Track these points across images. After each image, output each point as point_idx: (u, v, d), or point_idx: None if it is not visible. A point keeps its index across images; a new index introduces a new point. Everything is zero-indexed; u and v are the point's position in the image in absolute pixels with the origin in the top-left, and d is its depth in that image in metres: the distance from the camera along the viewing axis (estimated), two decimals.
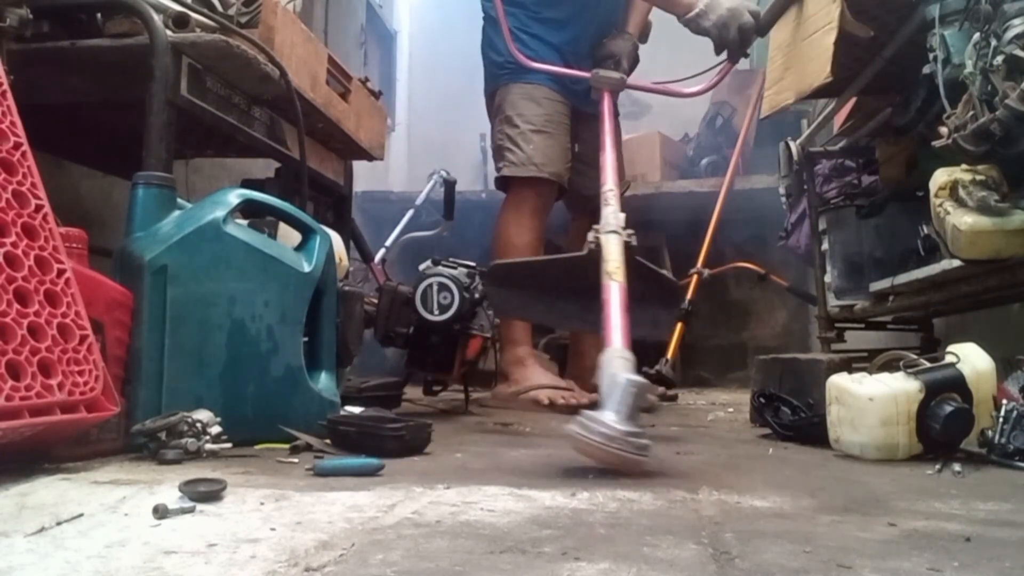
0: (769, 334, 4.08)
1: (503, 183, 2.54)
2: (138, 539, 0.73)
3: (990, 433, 1.26)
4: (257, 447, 1.29)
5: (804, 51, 1.98)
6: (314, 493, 0.94)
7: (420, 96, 5.95)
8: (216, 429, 1.19)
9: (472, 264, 2.09)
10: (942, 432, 1.27)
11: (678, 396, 2.69)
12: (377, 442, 1.24)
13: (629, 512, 0.89)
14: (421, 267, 2.05)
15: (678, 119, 4.65)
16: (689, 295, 3.30)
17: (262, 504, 0.87)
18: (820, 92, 2.08)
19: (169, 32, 1.51)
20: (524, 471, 1.16)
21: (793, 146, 2.54)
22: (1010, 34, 1.35)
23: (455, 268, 2.04)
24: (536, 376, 2.36)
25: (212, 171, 2.50)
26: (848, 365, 1.54)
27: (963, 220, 1.48)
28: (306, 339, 1.45)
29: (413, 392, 2.21)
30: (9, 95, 1.14)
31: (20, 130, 1.12)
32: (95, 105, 1.77)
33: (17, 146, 1.11)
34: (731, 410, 2.26)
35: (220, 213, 1.35)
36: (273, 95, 1.82)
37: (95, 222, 2.11)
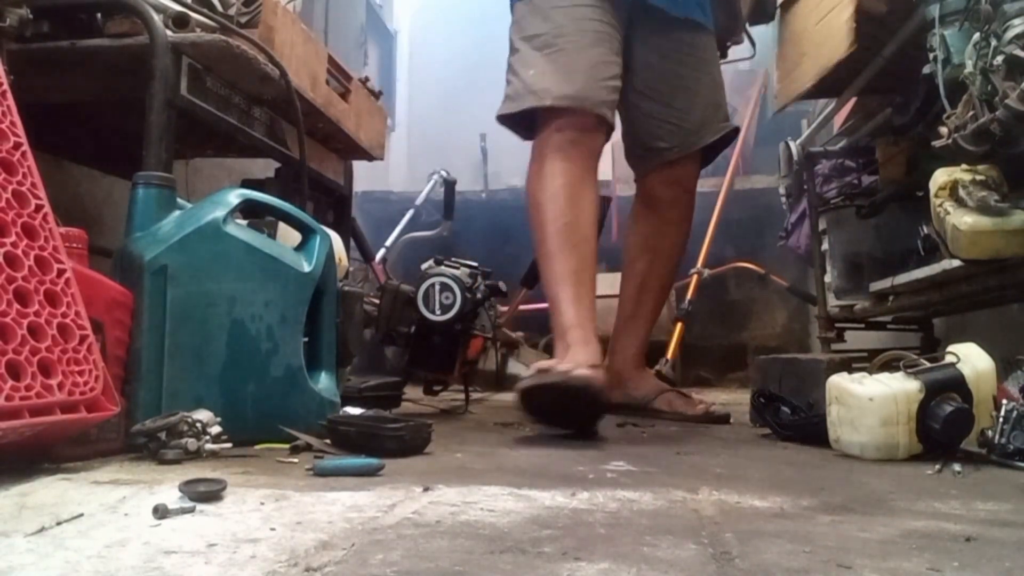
0: (769, 334, 4.08)
1: (519, 130, 1.91)
2: (138, 539, 0.73)
3: (990, 433, 1.26)
4: (257, 447, 1.29)
5: (819, 34, 1.97)
6: (314, 493, 0.94)
7: (420, 96, 5.96)
8: (216, 429, 1.19)
9: (475, 264, 2.09)
10: (942, 432, 1.27)
11: None
12: (377, 442, 1.24)
13: (629, 512, 0.89)
14: (424, 266, 2.05)
15: None
16: (689, 295, 3.31)
17: (262, 504, 0.87)
18: (825, 89, 2.05)
19: (169, 32, 1.51)
20: (524, 471, 1.16)
21: (793, 146, 2.54)
22: (1010, 34, 1.35)
23: (458, 268, 2.04)
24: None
25: (212, 171, 2.50)
26: (848, 365, 1.54)
27: (963, 220, 1.48)
28: (306, 339, 1.45)
29: (413, 392, 2.21)
30: (9, 95, 1.14)
31: (20, 130, 1.12)
32: (95, 105, 1.77)
33: (17, 146, 1.11)
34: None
35: (220, 213, 1.35)
36: (273, 95, 1.82)
37: (95, 222, 2.11)
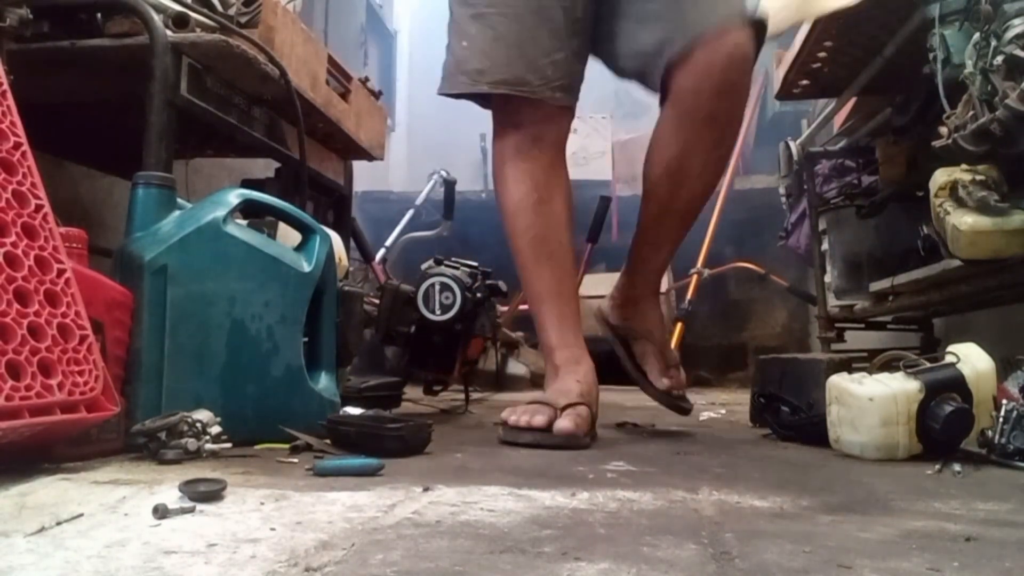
0: (769, 334, 4.09)
1: (473, 100, 1.70)
2: (138, 539, 0.73)
3: (990, 433, 1.26)
4: (257, 447, 1.29)
5: None
6: (314, 493, 0.94)
7: (420, 96, 5.96)
8: (216, 429, 1.19)
9: (475, 264, 2.09)
10: (942, 432, 1.27)
11: None
12: (377, 442, 1.24)
13: (629, 512, 0.89)
14: (424, 266, 2.05)
15: None
16: (689, 295, 3.31)
17: (262, 504, 0.87)
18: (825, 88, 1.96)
19: (169, 32, 1.51)
20: (524, 471, 1.16)
21: (793, 146, 2.55)
22: (1010, 34, 1.35)
23: (458, 268, 2.04)
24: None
25: (212, 171, 2.50)
26: (848, 365, 1.54)
27: (963, 220, 1.49)
28: (306, 339, 1.45)
29: (413, 392, 2.21)
30: (9, 95, 1.14)
31: (20, 130, 1.12)
32: (95, 105, 1.77)
33: (17, 146, 1.11)
34: (723, 411, 2.25)
35: (220, 213, 1.35)
36: (273, 95, 1.82)
37: (95, 222, 2.11)
